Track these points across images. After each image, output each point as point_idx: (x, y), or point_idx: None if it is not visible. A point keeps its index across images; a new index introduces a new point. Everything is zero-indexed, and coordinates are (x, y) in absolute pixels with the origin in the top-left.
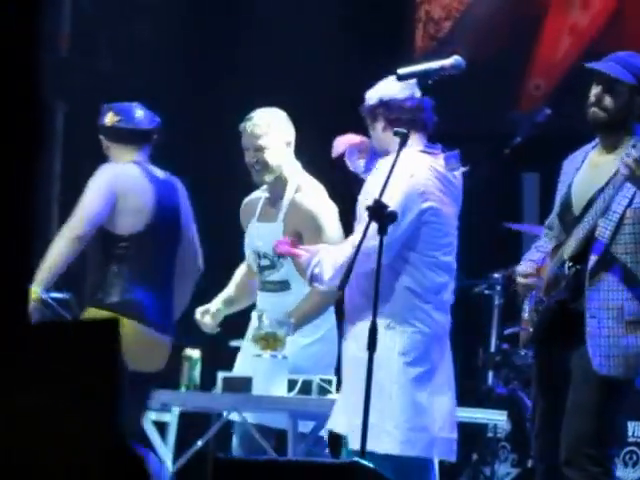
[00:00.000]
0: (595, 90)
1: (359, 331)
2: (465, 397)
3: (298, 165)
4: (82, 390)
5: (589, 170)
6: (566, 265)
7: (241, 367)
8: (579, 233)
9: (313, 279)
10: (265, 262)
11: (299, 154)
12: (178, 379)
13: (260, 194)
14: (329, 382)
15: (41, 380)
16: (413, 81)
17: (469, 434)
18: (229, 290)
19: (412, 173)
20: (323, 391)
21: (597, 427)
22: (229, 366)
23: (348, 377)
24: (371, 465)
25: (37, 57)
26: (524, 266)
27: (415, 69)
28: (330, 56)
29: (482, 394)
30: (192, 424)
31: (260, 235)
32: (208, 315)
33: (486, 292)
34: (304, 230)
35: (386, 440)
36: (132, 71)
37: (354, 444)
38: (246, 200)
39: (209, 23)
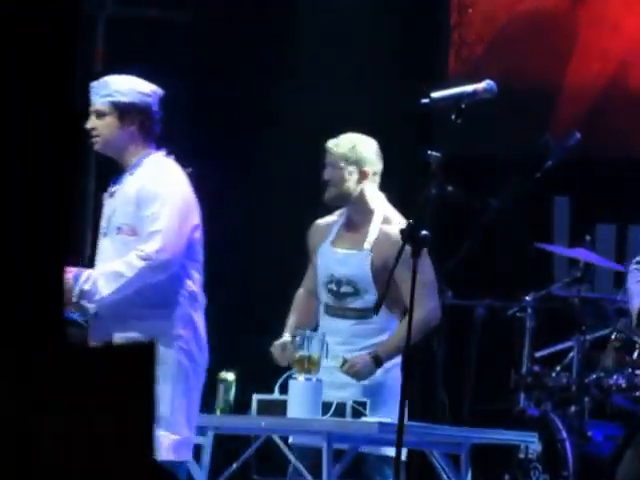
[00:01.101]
0: None
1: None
2: (497, 418)
3: (382, 196)
4: (118, 412)
5: None
6: None
7: None
8: None
9: (82, 296)
10: (347, 289)
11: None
12: (213, 402)
13: (334, 218)
14: (363, 405)
15: (77, 401)
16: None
17: (502, 455)
18: (295, 319)
19: (185, 190)
20: (357, 414)
21: None
22: (264, 388)
23: None
24: None
25: (72, 74)
26: None
27: (448, 93)
28: (363, 80)
29: (514, 415)
30: (227, 447)
31: (341, 261)
32: (286, 350)
33: (518, 314)
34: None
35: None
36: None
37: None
38: (319, 222)
39: (243, 45)
